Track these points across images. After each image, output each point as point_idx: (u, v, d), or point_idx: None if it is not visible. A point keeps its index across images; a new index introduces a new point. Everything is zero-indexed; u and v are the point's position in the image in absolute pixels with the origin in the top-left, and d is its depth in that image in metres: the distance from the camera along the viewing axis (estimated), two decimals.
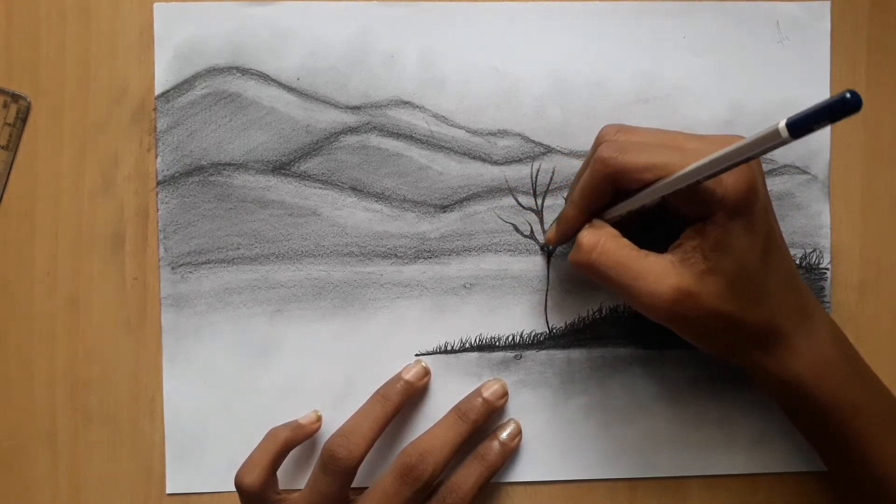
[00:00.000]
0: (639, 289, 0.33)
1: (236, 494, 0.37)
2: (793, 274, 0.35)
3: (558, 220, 0.38)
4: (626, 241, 0.35)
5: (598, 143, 0.36)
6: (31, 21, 0.40)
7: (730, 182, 0.32)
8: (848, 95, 0.24)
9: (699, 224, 0.33)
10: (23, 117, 0.40)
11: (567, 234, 0.37)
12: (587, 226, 0.36)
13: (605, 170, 0.34)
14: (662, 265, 0.33)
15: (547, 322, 0.41)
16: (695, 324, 0.34)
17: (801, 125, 0.26)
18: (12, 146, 0.39)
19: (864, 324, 0.42)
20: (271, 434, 0.38)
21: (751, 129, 0.41)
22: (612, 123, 0.37)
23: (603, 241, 0.34)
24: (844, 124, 0.42)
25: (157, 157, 0.40)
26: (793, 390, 0.35)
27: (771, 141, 0.27)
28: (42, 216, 0.40)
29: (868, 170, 0.42)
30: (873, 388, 0.36)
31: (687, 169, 0.31)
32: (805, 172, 0.42)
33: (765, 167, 0.41)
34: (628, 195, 0.35)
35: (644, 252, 0.34)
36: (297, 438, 0.39)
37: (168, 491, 0.40)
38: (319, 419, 0.40)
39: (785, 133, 0.26)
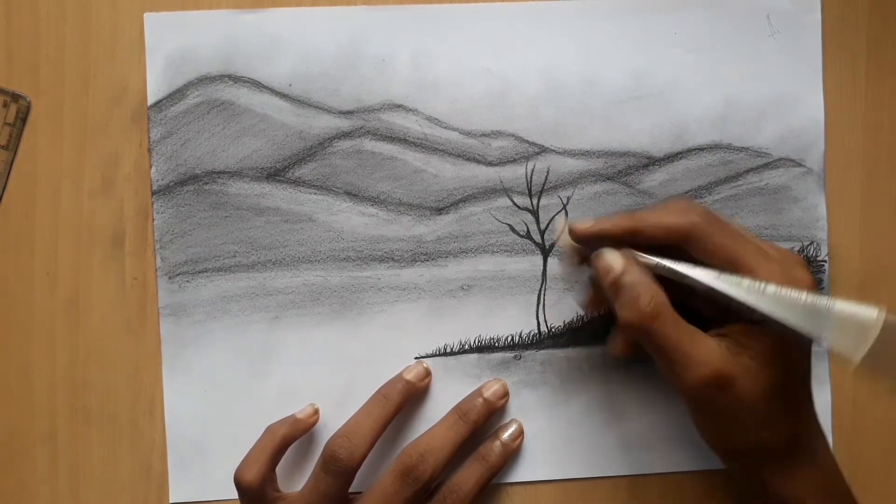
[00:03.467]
0: (684, 365, 0.33)
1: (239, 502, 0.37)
2: (811, 402, 0.35)
3: (599, 218, 0.36)
4: (675, 312, 0.34)
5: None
6: (31, 21, 0.40)
7: None
8: None
9: (752, 325, 0.33)
10: (23, 117, 0.40)
11: (604, 232, 0.35)
12: (633, 266, 0.34)
13: (687, 215, 0.34)
14: (711, 347, 0.33)
15: (545, 321, 0.41)
16: (724, 412, 0.33)
17: None
18: (12, 146, 0.39)
19: None
20: (269, 430, 0.38)
21: (745, 124, 0.42)
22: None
23: (664, 310, 0.33)
24: (842, 123, 0.42)
25: (151, 167, 0.40)
26: None
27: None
28: (42, 216, 0.40)
29: (867, 169, 0.42)
30: None
31: (761, 288, 0.32)
32: (800, 165, 0.41)
33: (760, 161, 0.41)
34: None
35: (694, 329, 0.33)
36: (295, 433, 0.39)
37: (171, 500, 0.40)
38: (316, 412, 0.40)
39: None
